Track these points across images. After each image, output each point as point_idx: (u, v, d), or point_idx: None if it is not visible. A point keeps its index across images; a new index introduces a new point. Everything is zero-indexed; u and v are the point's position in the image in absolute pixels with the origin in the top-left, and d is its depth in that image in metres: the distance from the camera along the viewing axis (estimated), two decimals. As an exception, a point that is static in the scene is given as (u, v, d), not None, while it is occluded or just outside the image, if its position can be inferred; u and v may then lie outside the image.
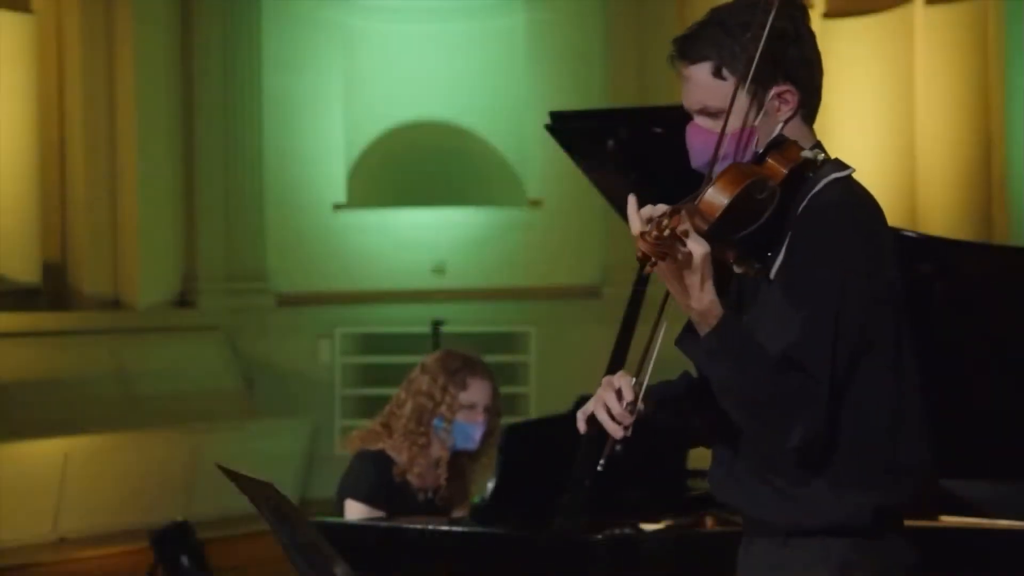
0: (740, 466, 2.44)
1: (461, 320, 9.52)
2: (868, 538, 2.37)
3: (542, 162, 9.68)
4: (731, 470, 2.46)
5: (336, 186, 10.05)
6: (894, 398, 2.37)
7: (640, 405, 2.34)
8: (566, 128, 3.82)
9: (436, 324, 9.26)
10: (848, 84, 9.28)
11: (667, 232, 2.18)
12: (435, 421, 4.07)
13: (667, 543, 3.54)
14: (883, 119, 9.28)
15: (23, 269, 8.98)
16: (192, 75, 9.57)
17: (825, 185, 2.38)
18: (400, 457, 4.06)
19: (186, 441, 8.41)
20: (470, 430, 4.08)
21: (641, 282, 3.67)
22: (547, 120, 3.80)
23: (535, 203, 10.09)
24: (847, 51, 9.29)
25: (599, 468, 2.35)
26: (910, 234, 3.54)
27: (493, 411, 4.12)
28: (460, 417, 4.07)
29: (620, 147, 3.67)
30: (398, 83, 10.22)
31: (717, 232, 2.26)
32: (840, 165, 2.42)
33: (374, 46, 10.22)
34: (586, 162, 3.86)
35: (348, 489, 4.06)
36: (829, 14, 9.43)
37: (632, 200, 2.26)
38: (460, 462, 4.16)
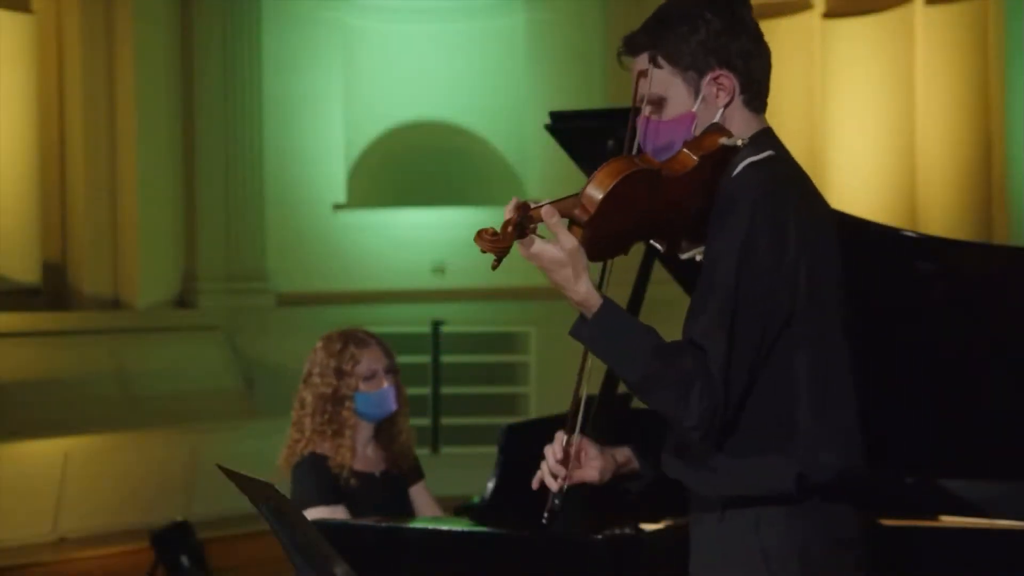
0: (678, 441, 2.53)
1: (461, 320, 9.52)
2: (796, 505, 2.43)
3: (542, 162, 9.68)
4: (673, 445, 2.55)
5: (336, 186, 10.06)
6: (812, 372, 2.44)
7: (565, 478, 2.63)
8: (566, 128, 3.82)
9: (436, 324, 9.26)
10: (848, 84, 9.28)
11: (509, 228, 2.29)
12: (343, 403, 4.02)
13: (667, 543, 3.54)
14: (883, 119, 9.28)
15: (23, 269, 8.98)
16: (192, 75, 9.57)
17: (740, 170, 2.46)
18: (326, 450, 4.04)
19: (186, 441, 8.41)
20: (380, 396, 4.04)
21: (642, 283, 3.67)
22: (547, 120, 3.80)
23: (535, 203, 10.09)
24: (847, 51, 9.29)
25: (543, 522, 2.59)
26: (910, 234, 3.54)
27: (392, 368, 4.08)
28: (364, 388, 4.04)
29: (620, 147, 3.67)
30: (398, 83, 10.22)
31: (598, 224, 2.34)
32: (758, 148, 2.49)
33: (374, 46, 10.22)
34: (586, 162, 3.86)
35: (301, 502, 4.00)
36: (829, 14, 9.43)
37: (514, 199, 2.36)
38: (393, 427, 4.12)
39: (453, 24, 10.23)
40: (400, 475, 4.14)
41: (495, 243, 2.30)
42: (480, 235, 2.32)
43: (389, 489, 4.10)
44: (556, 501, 2.54)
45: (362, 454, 4.08)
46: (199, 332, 9.35)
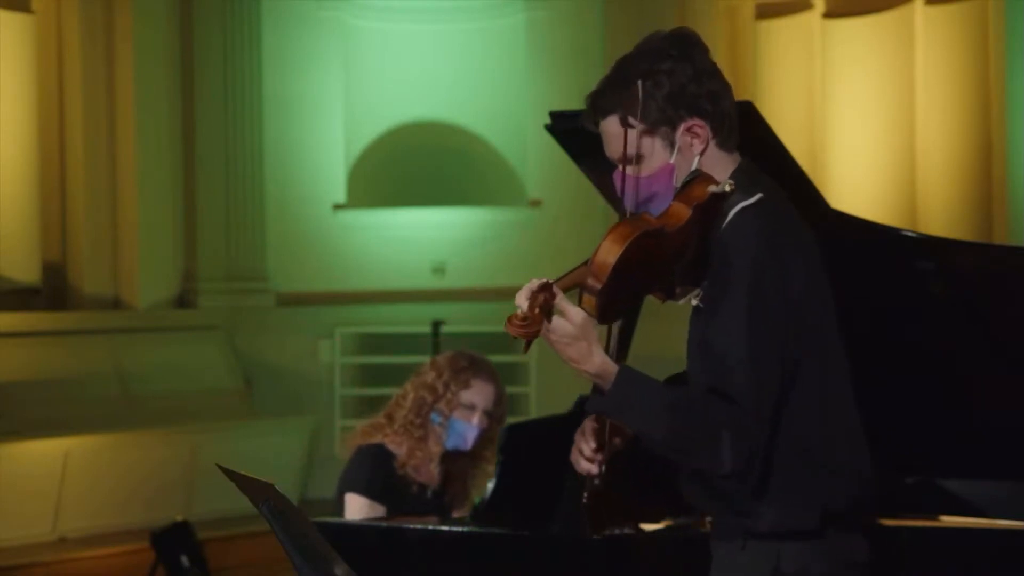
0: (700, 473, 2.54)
1: (461, 320, 9.51)
2: (817, 540, 2.48)
3: (542, 162, 9.69)
4: (694, 474, 2.57)
5: (336, 186, 10.05)
6: (825, 406, 2.49)
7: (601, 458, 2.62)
8: (566, 128, 3.80)
9: (436, 324, 9.25)
10: (848, 84, 9.28)
11: (536, 310, 2.30)
12: (432, 415, 4.08)
13: (667, 543, 3.54)
14: (883, 119, 9.28)
15: (23, 269, 8.98)
16: (192, 75, 9.57)
17: (733, 216, 2.48)
18: (399, 449, 4.08)
19: (186, 441, 8.41)
20: (464, 430, 4.08)
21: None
22: (547, 120, 3.80)
23: (535, 203, 10.09)
24: (847, 51, 9.29)
25: (584, 503, 2.64)
26: (910, 234, 3.53)
27: (494, 417, 4.12)
28: (457, 415, 4.08)
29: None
30: (398, 83, 10.22)
31: (613, 289, 2.36)
32: (748, 192, 2.51)
33: (374, 46, 10.22)
34: (586, 162, 3.86)
35: (348, 483, 4.07)
36: (829, 14, 9.43)
37: (532, 281, 2.36)
38: (459, 465, 4.16)
39: (453, 24, 10.23)
40: (448, 503, 4.18)
41: (526, 328, 2.31)
42: (510, 321, 2.32)
43: (434, 508, 4.13)
44: (596, 482, 2.58)
45: (427, 467, 4.10)
46: (199, 332, 9.35)
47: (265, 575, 7.33)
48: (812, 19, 9.45)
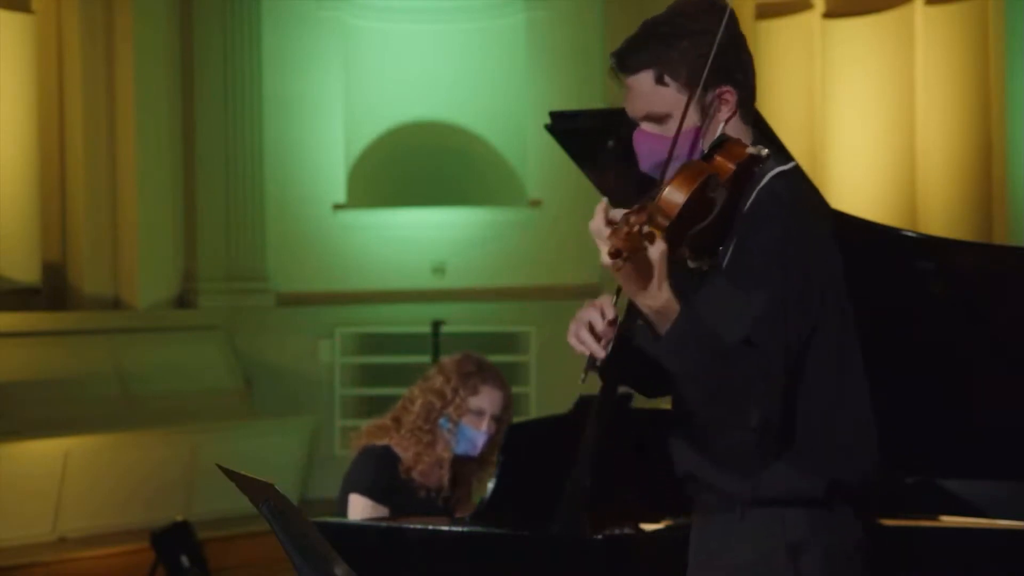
0: (701, 437, 2.54)
1: (461, 320, 9.51)
2: (821, 510, 2.48)
3: (542, 162, 9.68)
4: (693, 441, 2.56)
5: (336, 186, 10.05)
6: (837, 377, 2.50)
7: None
8: (566, 128, 3.81)
9: (436, 324, 9.25)
10: (848, 84, 9.28)
11: (636, 229, 2.26)
12: (441, 420, 4.08)
13: (667, 543, 3.54)
14: (883, 119, 9.28)
15: (23, 269, 8.98)
16: (192, 75, 9.57)
17: (770, 179, 2.50)
18: (405, 454, 4.08)
19: (186, 441, 8.41)
20: (473, 436, 4.09)
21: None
22: (547, 120, 3.80)
23: (535, 203, 10.09)
24: (847, 51, 9.29)
25: (581, 381, 2.48)
26: (910, 234, 3.54)
27: (502, 421, 4.13)
28: (466, 421, 4.08)
29: (620, 147, 3.67)
30: (398, 83, 10.22)
31: (676, 229, 2.35)
32: (783, 159, 2.54)
33: (374, 46, 10.22)
34: (586, 162, 3.86)
35: (352, 483, 4.07)
36: (829, 14, 9.43)
37: (604, 202, 2.37)
38: (466, 468, 4.17)
39: (453, 24, 10.22)
40: (450, 507, 4.18)
41: (631, 242, 2.25)
42: (616, 233, 2.26)
43: (435, 511, 4.14)
44: (597, 363, 2.44)
45: (435, 471, 4.10)
46: (199, 332, 9.34)
47: (265, 575, 7.33)
48: (812, 19, 9.45)
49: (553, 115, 3.80)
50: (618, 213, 2.34)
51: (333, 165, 10.06)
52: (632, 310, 2.50)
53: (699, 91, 2.48)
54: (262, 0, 9.76)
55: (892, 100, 9.25)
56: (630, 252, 2.25)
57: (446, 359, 4.23)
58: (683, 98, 2.48)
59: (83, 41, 9.15)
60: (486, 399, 4.10)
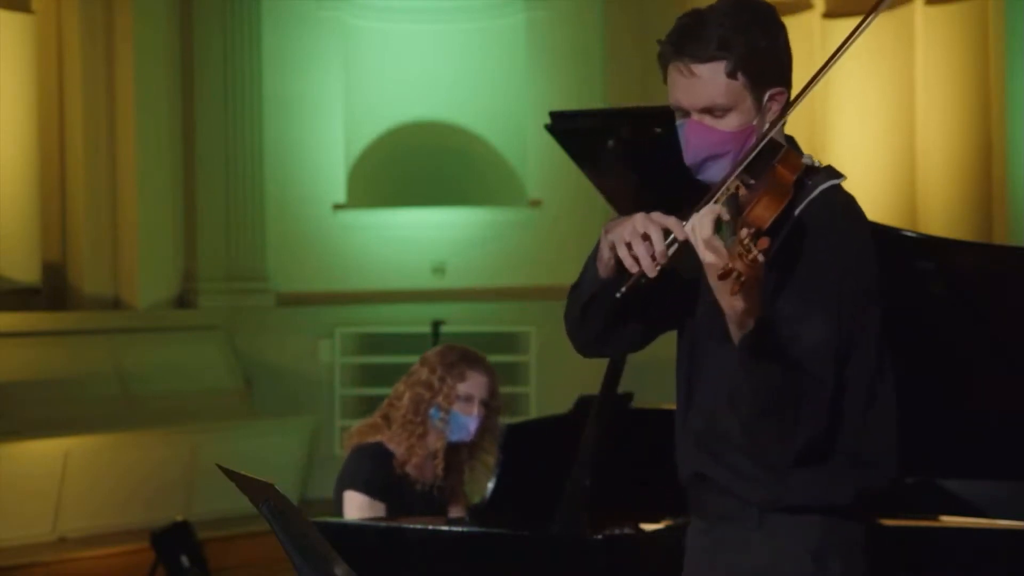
0: (722, 441, 2.46)
1: (461, 320, 9.51)
2: (843, 516, 2.45)
3: (542, 162, 9.68)
4: (710, 445, 2.49)
5: (336, 186, 10.05)
6: (873, 389, 2.47)
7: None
8: (566, 128, 3.81)
9: (436, 324, 9.25)
10: (848, 83, 9.27)
11: (750, 255, 2.16)
12: (431, 411, 4.09)
13: (667, 543, 3.54)
14: (883, 118, 9.28)
15: (23, 269, 8.98)
16: (192, 75, 9.57)
17: (821, 192, 2.48)
18: (398, 449, 4.10)
19: (186, 441, 8.41)
20: (465, 421, 4.10)
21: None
22: (547, 120, 3.80)
23: (535, 203, 10.09)
24: (847, 51, 9.28)
25: (618, 296, 2.32)
26: (910, 234, 3.53)
27: (491, 407, 4.15)
28: (456, 408, 4.10)
29: (620, 147, 3.67)
30: (398, 83, 10.22)
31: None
32: (833, 172, 2.54)
33: (374, 46, 10.22)
34: (586, 162, 3.86)
35: (347, 480, 4.08)
36: (829, 14, 9.43)
37: (718, 208, 2.27)
38: (459, 456, 4.19)
39: (453, 24, 10.22)
40: (440, 503, 4.19)
41: (754, 268, 2.16)
42: (740, 258, 2.16)
43: (430, 503, 4.15)
44: (643, 281, 2.30)
45: (428, 464, 4.11)
46: (199, 332, 9.34)
47: (265, 575, 7.33)
48: (812, 19, 9.45)
49: (553, 115, 3.80)
50: (708, 229, 2.24)
51: (333, 165, 10.06)
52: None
53: (765, 90, 2.46)
54: (262, 0, 9.76)
55: (892, 100, 9.25)
56: (748, 276, 2.17)
57: (428, 352, 4.24)
58: (747, 94, 2.44)
59: (83, 41, 9.15)
60: (474, 384, 4.12)
